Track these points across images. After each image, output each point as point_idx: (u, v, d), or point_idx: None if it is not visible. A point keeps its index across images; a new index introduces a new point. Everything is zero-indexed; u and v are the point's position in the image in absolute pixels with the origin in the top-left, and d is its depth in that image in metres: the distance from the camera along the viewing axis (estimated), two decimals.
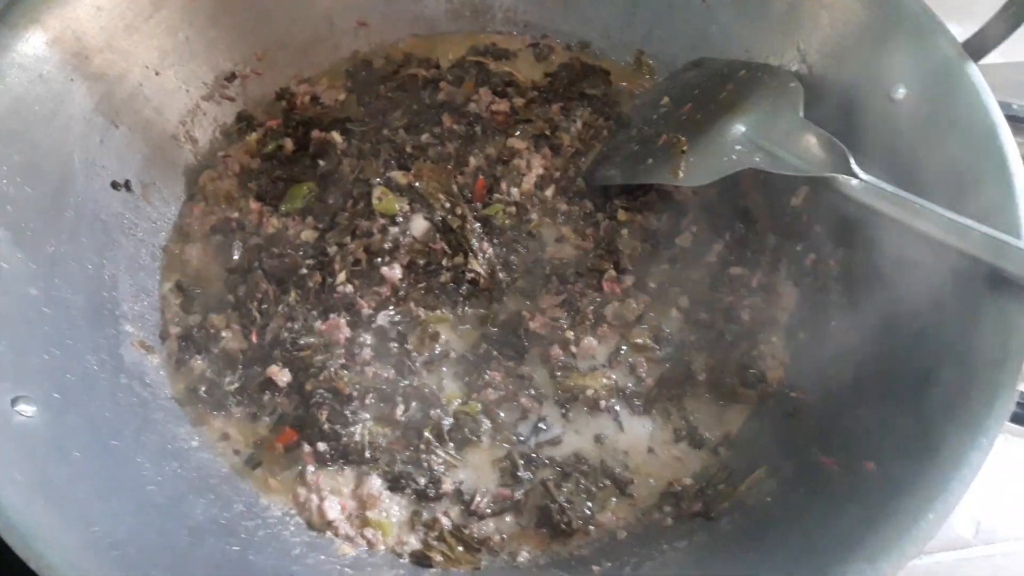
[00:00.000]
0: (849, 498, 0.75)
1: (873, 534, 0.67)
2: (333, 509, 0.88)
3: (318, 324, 0.98)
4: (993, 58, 0.97)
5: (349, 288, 1.00)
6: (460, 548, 0.87)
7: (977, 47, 0.92)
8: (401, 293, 1.02)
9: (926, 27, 0.94)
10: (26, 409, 0.75)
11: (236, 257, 1.05)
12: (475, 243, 1.04)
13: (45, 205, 0.91)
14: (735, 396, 0.97)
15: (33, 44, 0.92)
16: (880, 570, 0.65)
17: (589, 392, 0.96)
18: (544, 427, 0.95)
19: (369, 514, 0.88)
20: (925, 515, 0.66)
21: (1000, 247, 0.77)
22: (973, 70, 0.90)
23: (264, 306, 0.99)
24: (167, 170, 1.09)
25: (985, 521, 0.96)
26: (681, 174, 1.00)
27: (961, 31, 0.95)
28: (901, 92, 0.94)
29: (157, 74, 1.07)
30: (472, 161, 1.12)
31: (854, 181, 0.87)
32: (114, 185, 1.01)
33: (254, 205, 1.08)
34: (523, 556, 0.87)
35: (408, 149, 1.12)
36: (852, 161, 0.88)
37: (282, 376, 0.94)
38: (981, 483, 0.74)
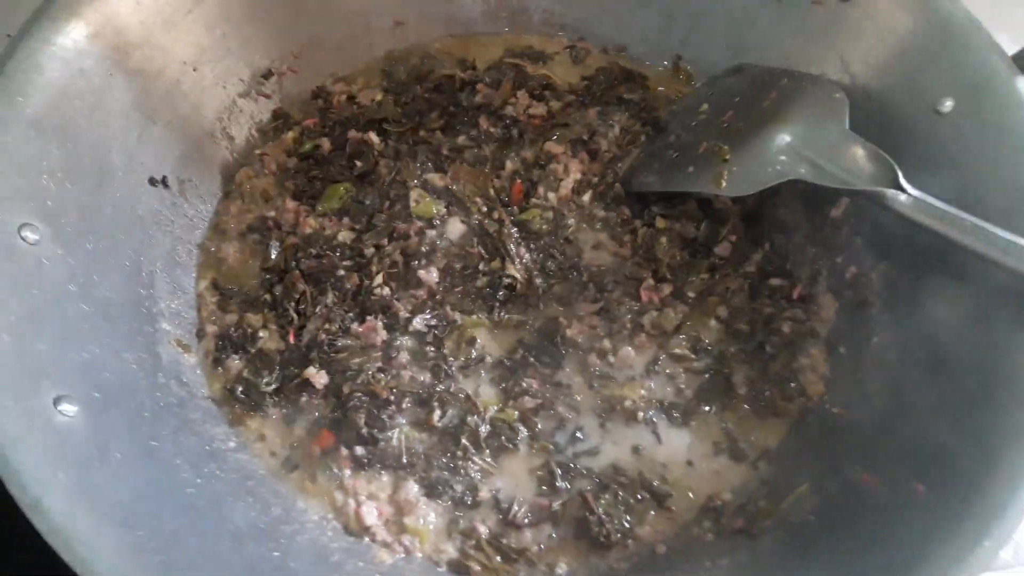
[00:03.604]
0: (897, 521, 0.74)
1: (925, 561, 0.66)
2: (371, 514, 0.87)
3: (355, 326, 0.97)
4: None
5: (386, 291, 0.99)
6: (498, 558, 0.86)
7: None
8: (437, 297, 1.01)
9: (973, 38, 0.93)
10: (68, 409, 0.74)
11: (273, 256, 1.04)
12: (512, 248, 1.03)
13: (84, 201, 0.90)
14: (775, 410, 0.96)
15: (74, 38, 0.91)
16: None
17: (627, 403, 0.95)
18: (581, 437, 0.94)
19: (406, 520, 0.87)
20: (980, 542, 0.65)
21: None
22: (1023, 84, 0.89)
23: (302, 307, 0.99)
24: (203, 167, 1.08)
25: None
26: (724, 184, 0.99)
27: (1010, 42, 0.95)
28: (948, 105, 0.93)
29: (195, 70, 1.06)
30: (508, 165, 1.11)
31: (903, 196, 0.86)
32: (151, 181, 1.00)
33: (291, 204, 1.07)
34: (561, 568, 0.87)
35: (445, 151, 1.11)
36: (900, 175, 0.87)
37: (319, 378, 0.93)
38: None
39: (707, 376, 0.98)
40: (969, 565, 0.65)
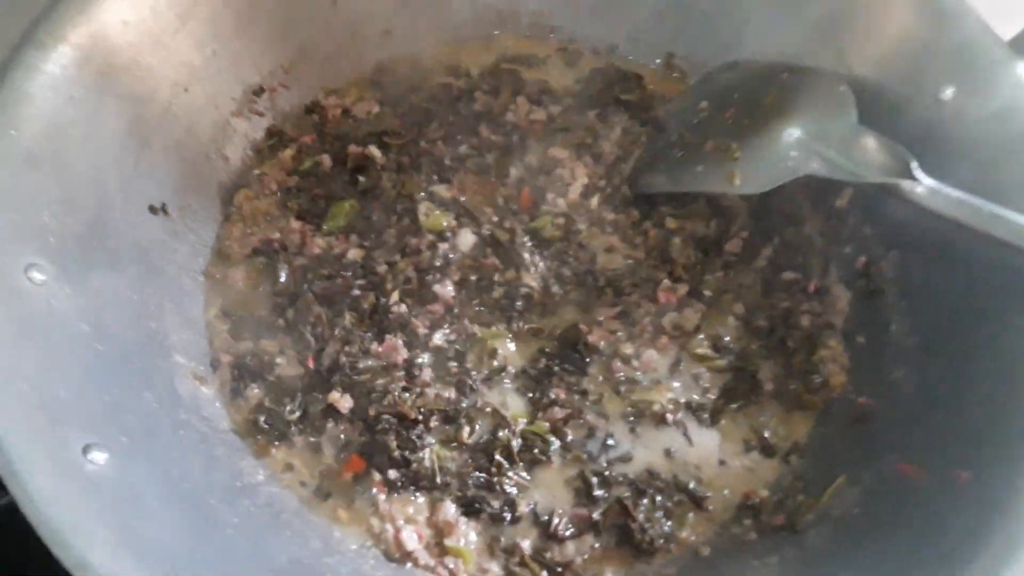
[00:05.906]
0: (946, 509, 0.74)
1: (985, 545, 0.67)
2: (411, 539, 0.85)
3: (375, 346, 0.95)
4: None
5: (403, 308, 0.98)
6: (544, 573, 0.85)
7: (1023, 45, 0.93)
8: (455, 311, 0.99)
9: (969, 25, 0.93)
10: (98, 457, 0.71)
11: (283, 279, 1.01)
12: (526, 256, 1.02)
13: (86, 235, 0.86)
14: (800, 403, 0.96)
15: (62, 64, 0.86)
16: None
17: (655, 406, 0.95)
18: (613, 443, 0.94)
19: (448, 542, 0.86)
20: None
21: None
22: (1023, 68, 0.91)
23: (318, 330, 0.96)
24: (201, 190, 1.04)
25: None
26: (737, 182, 0.99)
27: (1002, 31, 0.96)
28: (949, 92, 0.94)
29: (186, 91, 1.02)
30: (513, 172, 1.10)
31: (918, 187, 0.87)
32: (151, 209, 0.96)
33: (295, 225, 1.04)
34: None
35: (447, 161, 1.09)
36: (914, 165, 0.88)
37: (344, 402, 0.91)
38: None
39: (730, 374, 0.98)
40: None
